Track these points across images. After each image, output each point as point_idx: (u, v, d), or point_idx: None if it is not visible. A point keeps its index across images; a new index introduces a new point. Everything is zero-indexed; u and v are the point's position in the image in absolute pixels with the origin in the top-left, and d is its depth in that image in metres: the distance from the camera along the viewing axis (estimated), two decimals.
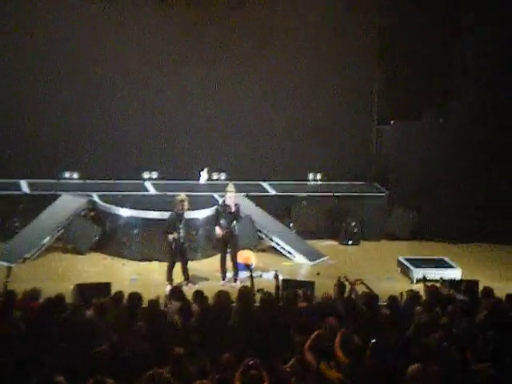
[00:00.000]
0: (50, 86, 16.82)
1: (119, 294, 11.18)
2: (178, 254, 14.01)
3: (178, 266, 14.03)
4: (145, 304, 10.91)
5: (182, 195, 14.25)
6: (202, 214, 15.58)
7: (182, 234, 13.96)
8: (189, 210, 14.21)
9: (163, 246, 14.30)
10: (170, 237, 13.87)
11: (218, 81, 17.57)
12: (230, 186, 14.63)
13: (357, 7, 17.61)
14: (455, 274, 14.90)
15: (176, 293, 11.53)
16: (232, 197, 14.44)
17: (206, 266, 15.06)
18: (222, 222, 14.31)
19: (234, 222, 14.29)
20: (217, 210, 14.67)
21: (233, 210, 14.32)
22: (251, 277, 12.12)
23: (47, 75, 16.78)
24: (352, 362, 9.15)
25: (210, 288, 12.70)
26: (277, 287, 11.50)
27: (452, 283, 12.96)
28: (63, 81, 16.85)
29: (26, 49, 16.73)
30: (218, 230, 14.29)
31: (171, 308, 10.86)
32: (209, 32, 17.27)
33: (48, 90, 16.81)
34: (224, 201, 14.59)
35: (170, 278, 13.83)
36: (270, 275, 14.66)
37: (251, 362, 8.91)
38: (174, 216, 14.02)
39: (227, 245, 14.37)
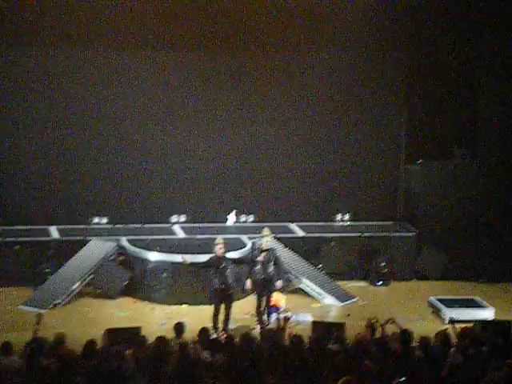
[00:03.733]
0: (79, 133, 16.97)
1: (143, 338, 11.19)
2: (223, 300, 13.90)
3: (208, 310, 14.00)
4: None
5: (219, 238, 14.21)
6: (230, 256, 15.51)
7: (226, 279, 13.84)
8: (224, 253, 14.04)
9: (193, 289, 14.20)
10: (215, 281, 13.83)
11: (246, 123, 17.67)
12: (266, 230, 14.55)
13: (383, 48, 17.58)
14: (487, 314, 14.72)
15: (206, 337, 11.49)
16: (269, 241, 14.37)
17: (236, 309, 14.97)
18: (257, 267, 14.20)
19: (272, 266, 14.19)
20: (252, 254, 14.56)
21: (267, 255, 14.17)
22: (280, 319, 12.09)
23: (76, 121, 16.93)
24: None
25: (242, 331, 12.65)
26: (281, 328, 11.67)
27: (484, 324, 12.78)
28: (92, 128, 16.99)
29: (55, 95, 16.89)
30: (248, 284, 14.25)
31: (200, 352, 10.81)
32: (231, 74, 17.37)
33: (76, 136, 16.96)
34: (260, 245, 14.47)
35: (215, 325, 13.72)
36: (299, 317, 14.65)
37: None
38: (212, 259, 13.98)
39: (264, 288, 14.28)
